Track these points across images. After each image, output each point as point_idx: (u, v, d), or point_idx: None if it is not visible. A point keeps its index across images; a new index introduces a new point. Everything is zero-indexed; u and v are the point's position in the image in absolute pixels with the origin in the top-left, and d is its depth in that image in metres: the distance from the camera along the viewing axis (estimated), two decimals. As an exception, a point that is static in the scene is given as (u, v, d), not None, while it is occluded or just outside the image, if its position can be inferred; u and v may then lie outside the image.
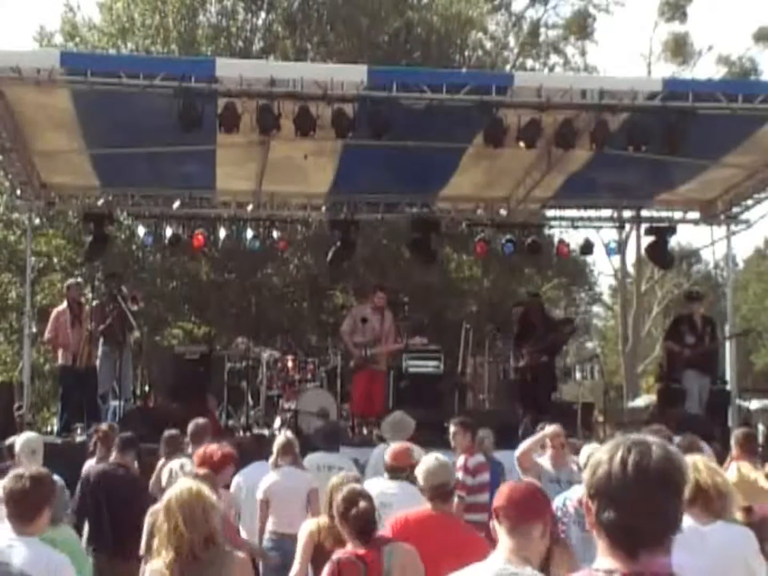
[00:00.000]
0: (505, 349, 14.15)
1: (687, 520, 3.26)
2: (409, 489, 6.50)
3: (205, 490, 4.41)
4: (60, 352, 12.60)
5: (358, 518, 4.77)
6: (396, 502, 5.95)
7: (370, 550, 4.66)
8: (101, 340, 12.44)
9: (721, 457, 7.94)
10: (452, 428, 8.85)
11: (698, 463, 4.38)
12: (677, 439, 7.09)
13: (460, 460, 8.49)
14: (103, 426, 9.04)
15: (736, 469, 7.42)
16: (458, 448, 8.66)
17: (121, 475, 7.61)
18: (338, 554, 4.67)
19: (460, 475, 8.14)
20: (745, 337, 14.35)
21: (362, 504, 4.81)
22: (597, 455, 2.27)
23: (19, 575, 4.12)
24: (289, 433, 8.40)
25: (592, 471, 2.24)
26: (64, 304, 12.64)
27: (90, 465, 8.20)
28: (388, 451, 6.97)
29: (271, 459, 7.93)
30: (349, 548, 4.74)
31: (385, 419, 9.13)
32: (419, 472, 5.39)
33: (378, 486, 6.28)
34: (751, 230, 15.18)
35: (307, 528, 5.71)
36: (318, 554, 5.45)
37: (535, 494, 3.54)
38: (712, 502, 4.25)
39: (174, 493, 4.33)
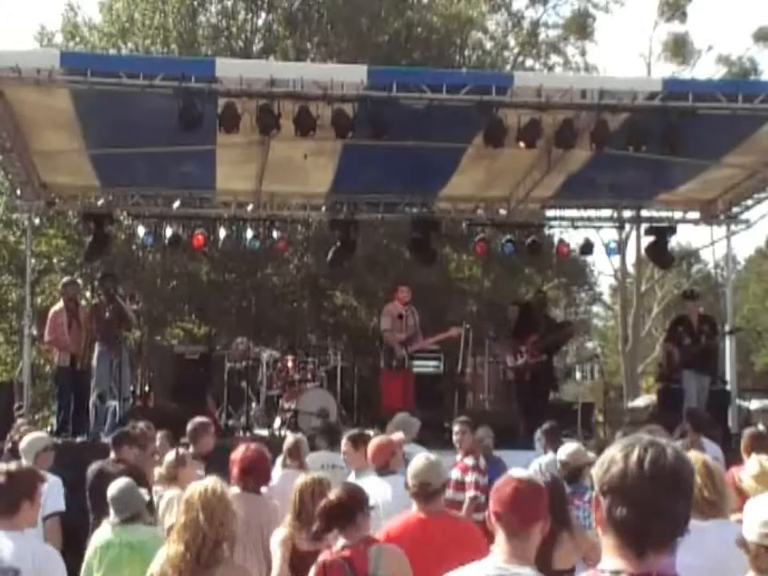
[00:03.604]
0: (502, 350, 14.13)
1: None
2: (394, 488, 6.43)
3: (228, 494, 4.38)
4: (57, 353, 12.50)
5: (323, 514, 4.70)
6: (380, 503, 5.87)
7: (355, 551, 4.61)
8: (98, 341, 12.38)
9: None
10: (458, 428, 8.91)
11: None
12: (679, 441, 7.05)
13: (470, 460, 8.55)
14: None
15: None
16: (463, 448, 8.70)
17: (115, 473, 7.54)
18: (324, 555, 4.60)
19: (474, 475, 8.19)
20: (734, 334, 14.33)
21: (323, 499, 4.77)
22: (609, 452, 2.25)
23: (8, 569, 4.16)
24: (299, 435, 8.28)
25: (605, 468, 2.23)
26: (60, 303, 12.51)
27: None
28: (370, 445, 6.96)
29: (280, 459, 7.90)
30: (335, 549, 4.66)
31: (390, 420, 9.12)
32: (408, 469, 5.37)
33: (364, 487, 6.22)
34: (751, 230, 15.20)
35: (279, 535, 5.60)
36: (294, 557, 5.38)
37: (535, 492, 3.43)
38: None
39: (198, 489, 4.30)
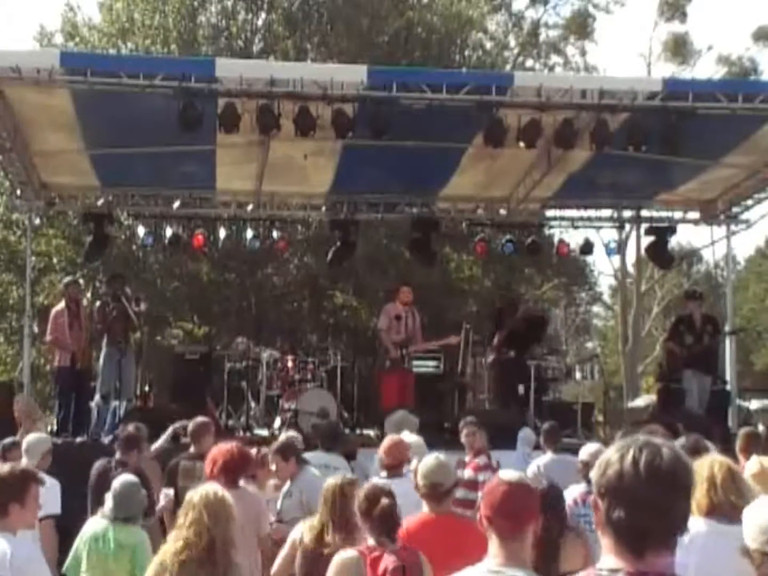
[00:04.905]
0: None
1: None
2: (405, 489, 6.44)
3: (229, 498, 4.59)
4: (58, 354, 12.46)
5: (383, 516, 4.67)
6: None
7: (409, 556, 4.61)
8: (104, 341, 12.36)
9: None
10: (469, 429, 8.98)
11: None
12: (681, 439, 7.05)
13: (482, 459, 8.58)
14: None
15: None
16: (474, 448, 8.75)
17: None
18: (386, 562, 4.54)
19: (487, 475, 8.22)
20: (736, 334, 14.32)
21: (385, 501, 4.73)
22: (606, 454, 2.27)
23: None
24: (291, 433, 8.33)
25: (602, 470, 2.24)
26: (62, 303, 12.47)
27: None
28: (382, 446, 6.95)
29: None
30: (371, 543, 4.63)
31: (388, 418, 9.15)
32: (418, 469, 5.34)
33: None
34: (751, 230, 15.20)
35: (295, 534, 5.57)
36: (307, 557, 5.37)
37: (526, 494, 3.38)
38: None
39: (199, 493, 4.53)
